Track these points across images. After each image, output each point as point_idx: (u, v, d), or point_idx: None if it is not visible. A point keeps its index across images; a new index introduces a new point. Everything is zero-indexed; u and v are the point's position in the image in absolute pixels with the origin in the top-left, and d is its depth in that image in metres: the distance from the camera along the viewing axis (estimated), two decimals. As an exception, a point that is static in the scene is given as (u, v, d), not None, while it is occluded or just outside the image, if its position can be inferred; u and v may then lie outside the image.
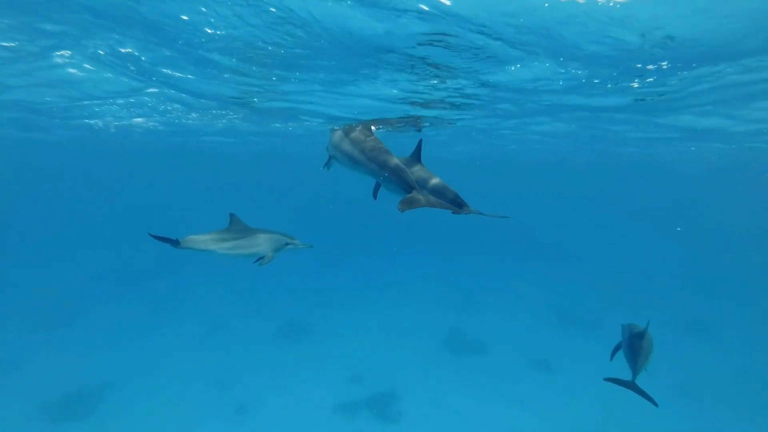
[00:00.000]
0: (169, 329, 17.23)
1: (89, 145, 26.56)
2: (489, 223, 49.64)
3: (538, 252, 34.83)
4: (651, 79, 8.07)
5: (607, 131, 16.54)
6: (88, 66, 8.58)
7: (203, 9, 5.45)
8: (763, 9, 4.98)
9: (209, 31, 6.21)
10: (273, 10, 5.33)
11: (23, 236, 35.57)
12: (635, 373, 5.63)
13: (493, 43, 6.24)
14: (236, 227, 6.93)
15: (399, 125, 11.45)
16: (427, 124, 13.25)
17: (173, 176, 63.11)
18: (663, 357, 10.97)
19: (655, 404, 5.22)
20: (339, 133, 6.23)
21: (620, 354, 6.27)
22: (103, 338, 16.18)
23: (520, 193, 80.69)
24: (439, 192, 4.84)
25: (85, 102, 12.19)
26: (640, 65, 7.10)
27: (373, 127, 11.33)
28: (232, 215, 7.03)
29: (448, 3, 4.98)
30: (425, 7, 5.06)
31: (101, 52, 7.73)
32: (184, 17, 5.82)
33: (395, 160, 4.98)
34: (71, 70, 8.77)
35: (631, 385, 5.57)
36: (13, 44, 7.44)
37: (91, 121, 15.92)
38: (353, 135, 5.77)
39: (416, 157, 5.28)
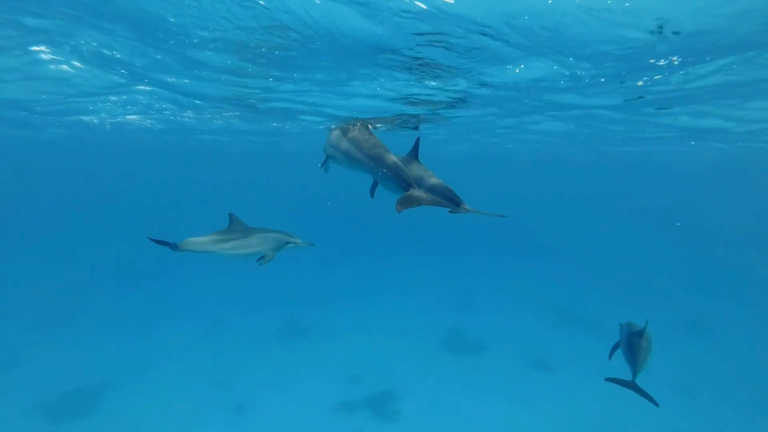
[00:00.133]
0: (168, 329, 17.22)
1: (87, 143, 26.51)
2: (488, 223, 49.64)
3: (537, 252, 34.84)
4: (659, 76, 7.94)
5: (606, 130, 16.51)
6: (77, 64, 8.55)
7: (192, 6, 5.42)
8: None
9: (201, 32, 6.19)
10: (262, 2, 5.28)
11: (22, 235, 35.56)
12: (635, 373, 5.62)
13: (494, 43, 6.21)
14: (236, 227, 6.91)
15: (396, 122, 11.43)
16: (425, 122, 13.23)
17: (172, 175, 63.06)
18: (662, 357, 10.98)
19: (656, 404, 5.21)
20: (337, 133, 6.23)
21: (618, 353, 6.26)
22: (102, 338, 16.18)
23: (520, 193, 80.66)
24: (436, 190, 4.84)
25: (78, 99, 12.13)
26: (653, 60, 6.87)
27: (370, 126, 11.33)
28: (231, 215, 7.01)
29: (449, 1, 4.94)
30: (424, 6, 5.04)
31: (86, 51, 7.72)
32: (172, 19, 5.81)
33: (393, 158, 4.98)
34: (62, 67, 8.72)
35: (631, 385, 5.56)
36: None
37: (86, 118, 15.85)
38: (351, 133, 5.78)
39: (414, 155, 5.28)
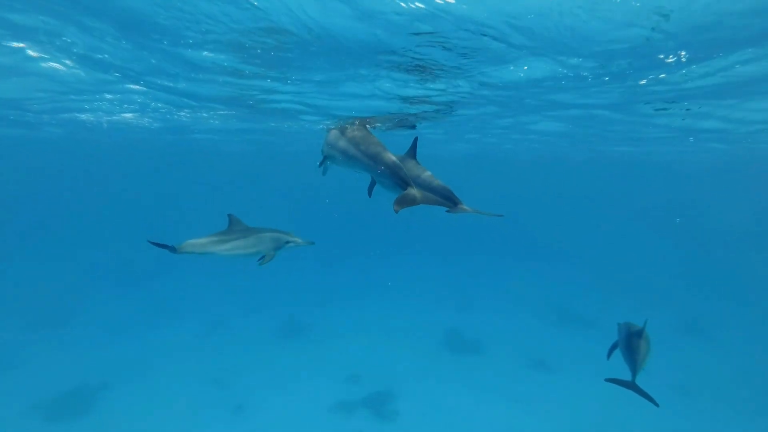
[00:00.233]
0: (167, 329, 17.21)
1: (84, 142, 26.51)
2: (487, 223, 49.63)
3: (536, 252, 34.83)
4: (663, 75, 7.85)
5: (605, 130, 16.51)
6: (68, 63, 8.53)
7: (185, 9, 5.40)
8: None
9: (195, 33, 6.17)
10: (256, 2, 5.27)
11: (20, 235, 35.52)
12: (635, 373, 5.60)
13: (495, 43, 6.17)
14: (235, 228, 6.88)
15: (395, 121, 11.42)
16: (424, 120, 13.21)
17: (171, 174, 63.06)
18: (661, 357, 10.97)
19: (656, 404, 5.19)
20: (335, 132, 6.22)
21: (617, 353, 6.25)
22: (101, 337, 16.16)
23: (518, 193, 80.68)
24: (434, 189, 4.83)
25: (72, 96, 12.09)
26: (662, 55, 6.61)
27: (369, 126, 11.32)
28: (230, 216, 6.98)
29: (451, 1, 4.90)
30: (422, 6, 5.01)
31: (76, 52, 7.71)
32: (164, 22, 5.79)
33: (391, 156, 4.97)
34: (52, 65, 8.69)
35: (631, 386, 5.54)
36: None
37: (83, 116, 15.80)
38: (349, 132, 5.77)
39: (411, 154, 5.27)
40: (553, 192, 75.58)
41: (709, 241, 42.20)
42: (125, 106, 13.54)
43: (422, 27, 5.59)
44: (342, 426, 11.73)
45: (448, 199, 4.74)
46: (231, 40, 6.42)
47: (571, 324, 18.87)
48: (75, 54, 7.91)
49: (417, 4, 4.95)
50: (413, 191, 4.70)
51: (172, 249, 6.32)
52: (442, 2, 4.90)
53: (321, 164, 6.94)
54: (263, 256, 6.68)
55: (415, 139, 5.32)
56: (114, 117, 15.85)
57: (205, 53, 7.17)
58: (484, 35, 5.86)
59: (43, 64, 8.55)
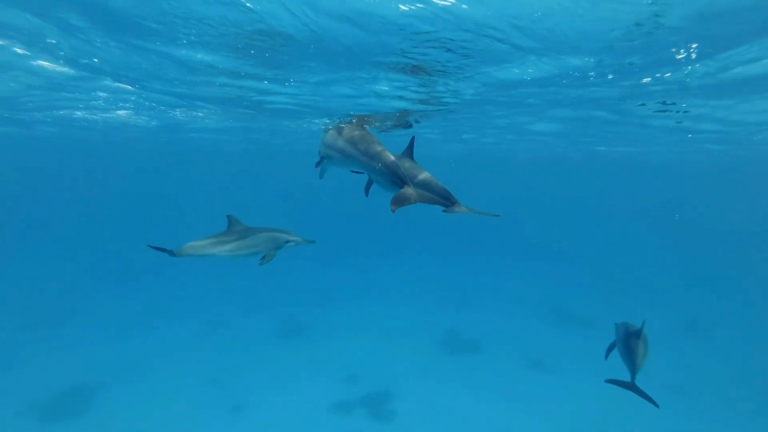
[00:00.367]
0: (165, 328, 17.17)
1: (81, 141, 26.46)
2: (486, 223, 49.62)
3: (535, 251, 34.81)
4: (669, 74, 7.72)
5: (604, 131, 16.50)
6: (57, 62, 8.51)
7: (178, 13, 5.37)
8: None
9: (189, 34, 6.14)
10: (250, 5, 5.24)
11: (17, 235, 35.45)
12: (634, 373, 5.57)
13: (496, 44, 6.12)
14: (235, 228, 6.84)
15: (393, 119, 11.40)
16: (425, 119, 13.19)
17: (169, 173, 63.04)
18: (660, 357, 10.95)
19: (656, 405, 5.15)
20: (332, 132, 6.22)
21: (615, 353, 6.23)
22: (99, 337, 16.12)
23: (517, 192, 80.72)
24: (431, 189, 4.81)
25: (64, 94, 12.05)
26: (674, 49, 6.33)
27: (367, 127, 11.30)
28: (229, 217, 6.94)
29: (449, 2, 4.86)
30: (423, 6, 4.98)
31: (64, 53, 7.68)
32: (155, 26, 5.76)
33: (388, 155, 4.96)
34: (41, 63, 8.67)
35: (631, 386, 5.51)
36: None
37: (77, 114, 15.75)
38: (346, 131, 5.76)
39: (409, 154, 5.25)
40: (551, 192, 75.61)
41: (707, 241, 42.22)
42: (120, 104, 13.51)
43: (422, 28, 5.54)
44: (340, 426, 11.71)
45: (445, 199, 4.72)
46: (227, 43, 6.39)
47: (569, 324, 18.86)
48: (62, 55, 7.89)
49: (417, 4, 4.91)
50: (410, 190, 4.69)
51: (171, 253, 6.29)
52: (442, 3, 4.86)
53: (318, 164, 6.91)
54: (264, 256, 6.65)
55: (412, 139, 5.31)
56: (109, 115, 15.79)
57: (199, 55, 7.15)
58: (486, 36, 5.81)
59: (32, 62, 8.53)
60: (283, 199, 62.88)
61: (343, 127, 6.09)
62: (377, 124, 11.61)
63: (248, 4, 5.04)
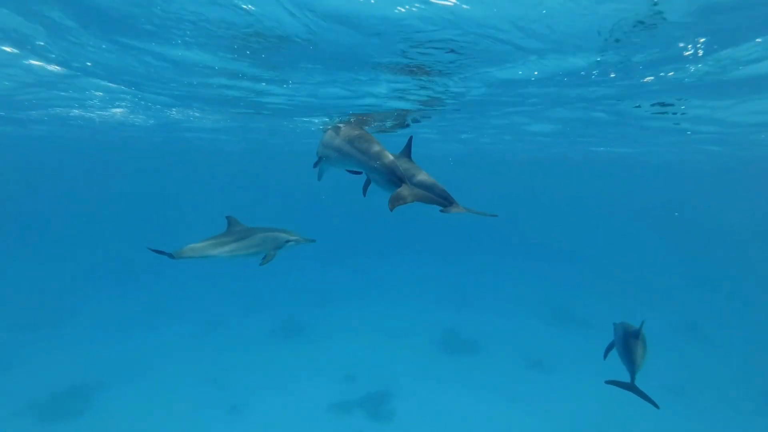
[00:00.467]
0: (164, 328, 17.14)
1: (79, 140, 26.43)
2: (485, 223, 49.62)
3: (534, 251, 34.81)
4: (672, 73, 7.61)
5: (603, 131, 16.49)
6: (50, 63, 8.50)
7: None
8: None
9: (185, 34, 6.13)
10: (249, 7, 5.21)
11: (14, 234, 35.38)
12: (633, 374, 5.55)
13: (500, 44, 6.06)
14: (234, 229, 6.82)
15: (392, 119, 11.39)
16: (423, 120, 13.17)
17: (167, 172, 63.00)
18: (659, 357, 10.94)
19: (656, 406, 5.13)
20: (330, 132, 6.23)
21: (614, 353, 6.21)
22: (97, 337, 16.07)
23: (516, 193, 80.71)
24: (429, 188, 4.81)
25: (56, 92, 12.04)
26: (682, 43, 6.05)
27: (365, 126, 11.29)
28: (228, 218, 6.92)
29: (451, 3, 4.82)
30: (423, 7, 4.94)
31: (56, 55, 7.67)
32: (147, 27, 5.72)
33: (386, 153, 4.96)
34: (31, 62, 8.67)
35: (631, 387, 5.49)
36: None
37: (75, 111, 15.71)
38: (344, 131, 5.76)
39: (406, 153, 5.24)
40: (550, 191, 75.61)
41: (707, 241, 42.24)
42: (116, 103, 13.50)
43: (422, 29, 5.51)
44: (339, 426, 11.69)
45: (443, 198, 4.71)
46: (222, 44, 6.37)
47: (568, 324, 18.85)
48: (53, 58, 7.88)
49: (417, 5, 4.88)
50: (408, 189, 4.68)
51: (171, 256, 6.27)
52: (443, 3, 4.83)
53: (316, 165, 6.90)
54: (264, 256, 6.62)
55: (410, 138, 5.30)
56: (106, 113, 15.76)
57: (195, 56, 7.13)
58: (487, 36, 5.76)
59: (24, 61, 8.51)
60: (283, 199, 62.87)
61: (341, 127, 6.08)
62: (376, 123, 11.60)
63: (244, 6, 5.01)
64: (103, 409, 11.88)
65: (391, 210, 4.49)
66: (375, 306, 20.19)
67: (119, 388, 12.86)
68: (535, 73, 7.60)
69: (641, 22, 5.26)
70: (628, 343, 5.76)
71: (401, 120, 11.56)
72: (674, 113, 11.82)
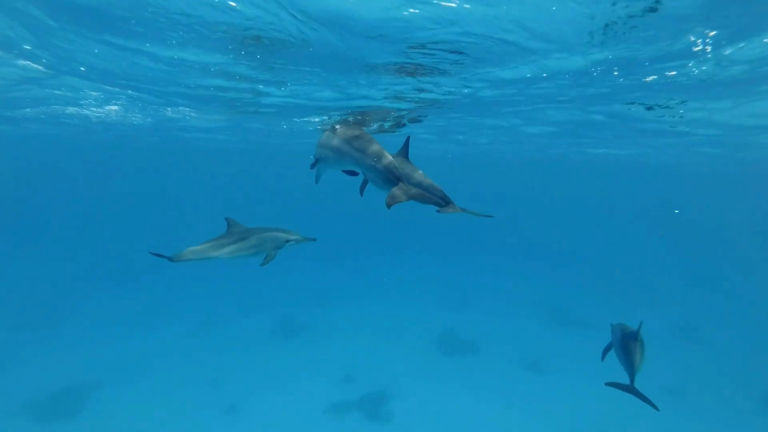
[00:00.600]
0: (162, 328, 17.08)
1: (77, 140, 26.34)
2: (484, 223, 49.62)
3: (532, 252, 34.80)
4: (673, 73, 7.45)
5: (602, 132, 16.48)
6: (43, 65, 8.47)
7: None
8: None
9: (181, 34, 6.10)
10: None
11: (12, 234, 35.29)
12: (633, 376, 5.52)
13: (499, 44, 6.05)
14: (233, 230, 6.79)
15: (390, 118, 11.38)
16: (424, 119, 13.14)
17: (166, 172, 62.93)
18: (658, 358, 10.92)
19: (656, 408, 5.10)
20: (327, 133, 6.22)
21: (611, 354, 6.19)
22: (94, 337, 16.01)
23: (515, 193, 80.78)
24: (425, 188, 4.81)
25: (50, 90, 12.02)
26: (693, 37, 5.74)
27: (363, 127, 11.27)
28: (228, 219, 6.89)
29: (453, 5, 4.78)
30: (423, 9, 4.91)
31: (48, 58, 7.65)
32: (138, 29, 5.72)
33: (383, 152, 4.95)
34: (22, 62, 8.63)
35: (630, 389, 5.46)
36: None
37: (71, 109, 15.65)
38: (342, 130, 5.76)
39: (404, 153, 5.22)
40: (549, 192, 75.69)
41: (705, 242, 42.28)
42: (112, 101, 13.45)
43: (421, 29, 5.48)
44: (337, 427, 11.67)
45: (440, 198, 4.71)
46: (218, 46, 6.34)
47: (567, 325, 18.83)
48: (44, 62, 7.86)
49: (417, 6, 4.86)
50: (405, 187, 4.69)
51: (170, 259, 6.25)
52: (444, 4, 4.80)
53: (313, 166, 6.88)
54: (266, 257, 6.59)
55: (408, 139, 5.28)
56: (102, 112, 15.72)
57: (190, 56, 7.10)
58: (487, 36, 5.73)
59: (16, 61, 8.48)
60: (282, 199, 62.83)
61: (338, 128, 6.08)
62: (373, 124, 11.58)
63: (240, 7, 4.99)
64: (100, 409, 11.84)
65: (389, 207, 4.49)
66: (374, 306, 20.16)
67: (117, 387, 12.82)
68: (531, 70, 7.55)
69: (652, 9, 4.96)
70: (626, 344, 5.73)
71: (398, 120, 11.54)
72: (671, 116, 11.83)
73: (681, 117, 11.83)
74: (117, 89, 10.63)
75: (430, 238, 38.96)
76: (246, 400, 12.56)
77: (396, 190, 4.64)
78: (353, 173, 6.13)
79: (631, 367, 5.55)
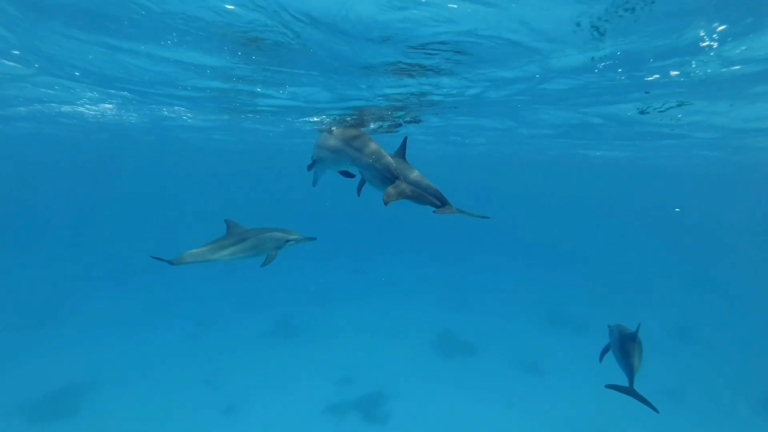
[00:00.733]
0: (159, 328, 17.05)
1: (75, 139, 26.27)
2: (483, 225, 49.63)
3: (531, 254, 34.82)
4: (676, 73, 7.36)
5: (602, 133, 16.49)
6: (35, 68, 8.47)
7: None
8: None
9: (179, 33, 6.09)
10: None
11: (10, 234, 35.21)
12: (632, 378, 5.50)
13: (500, 44, 6.02)
14: (233, 231, 6.76)
15: (386, 119, 11.37)
16: (416, 120, 13.12)
17: (167, 173, 62.84)
18: (656, 360, 10.92)
19: (656, 410, 5.09)
20: (325, 134, 6.22)
21: (609, 355, 6.18)
22: (92, 337, 15.96)
23: (513, 194, 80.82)
24: (423, 188, 4.81)
25: (43, 90, 11.99)
26: (702, 32, 5.58)
27: (360, 128, 11.27)
28: (227, 221, 6.87)
29: (454, 6, 4.77)
30: (424, 9, 4.90)
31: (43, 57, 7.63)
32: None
33: (381, 152, 4.95)
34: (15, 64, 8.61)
35: (630, 391, 5.45)
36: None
37: (67, 108, 15.61)
38: (339, 131, 5.76)
39: (401, 154, 5.23)
40: (548, 194, 75.74)
41: (703, 244, 42.34)
42: (109, 100, 13.42)
43: (421, 30, 5.47)
44: (335, 427, 11.65)
45: (437, 199, 4.71)
46: (215, 46, 6.33)
47: (565, 326, 18.83)
48: (37, 68, 7.85)
49: (416, 7, 4.85)
50: (402, 185, 4.69)
51: (170, 263, 6.23)
52: (448, 6, 4.79)
53: (310, 167, 6.87)
54: (266, 257, 6.57)
55: (405, 139, 5.29)
56: (97, 109, 15.67)
57: (187, 58, 7.09)
58: (488, 37, 5.71)
59: (8, 62, 8.47)
60: (282, 199, 62.80)
61: (335, 129, 6.08)
62: (370, 125, 11.57)
63: (235, 9, 4.98)
64: (98, 409, 11.81)
65: (386, 204, 4.50)
66: (373, 307, 20.15)
67: (115, 387, 12.79)
68: (532, 70, 7.53)
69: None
70: (624, 346, 5.71)
71: (396, 121, 11.54)
72: (670, 119, 11.83)
73: (679, 120, 11.85)
74: (113, 90, 10.60)
75: (429, 239, 38.97)
76: (244, 401, 12.54)
77: (392, 188, 4.65)
78: (350, 175, 6.12)
79: (629, 369, 5.54)
